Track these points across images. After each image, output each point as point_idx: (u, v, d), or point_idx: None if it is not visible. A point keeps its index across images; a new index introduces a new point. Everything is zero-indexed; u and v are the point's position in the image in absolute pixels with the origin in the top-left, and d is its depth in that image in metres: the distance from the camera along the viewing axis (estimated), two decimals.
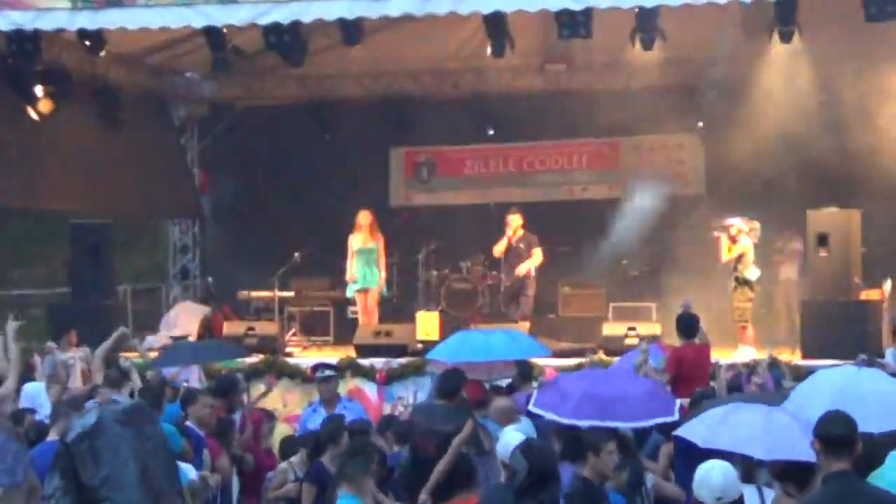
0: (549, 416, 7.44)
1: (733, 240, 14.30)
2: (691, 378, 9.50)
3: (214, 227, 19.27)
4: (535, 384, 9.91)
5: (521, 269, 15.32)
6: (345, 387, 13.32)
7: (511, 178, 18.73)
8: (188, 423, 8.65)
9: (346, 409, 9.76)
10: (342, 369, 13.31)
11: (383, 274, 15.59)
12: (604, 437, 6.65)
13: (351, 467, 6.51)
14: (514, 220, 15.51)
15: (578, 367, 12.66)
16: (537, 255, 15.47)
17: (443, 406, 8.56)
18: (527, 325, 14.85)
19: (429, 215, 18.52)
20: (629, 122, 16.85)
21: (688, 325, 10.10)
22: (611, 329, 14.69)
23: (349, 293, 15.67)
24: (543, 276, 16.27)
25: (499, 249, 15.61)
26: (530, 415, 8.08)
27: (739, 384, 10.20)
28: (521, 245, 15.37)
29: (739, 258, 14.21)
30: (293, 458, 8.80)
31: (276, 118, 18.14)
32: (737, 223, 14.33)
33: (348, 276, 15.47)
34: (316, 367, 10.61)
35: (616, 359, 12.30)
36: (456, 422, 8.03)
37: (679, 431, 6.69)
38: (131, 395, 9.03)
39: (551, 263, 16.37)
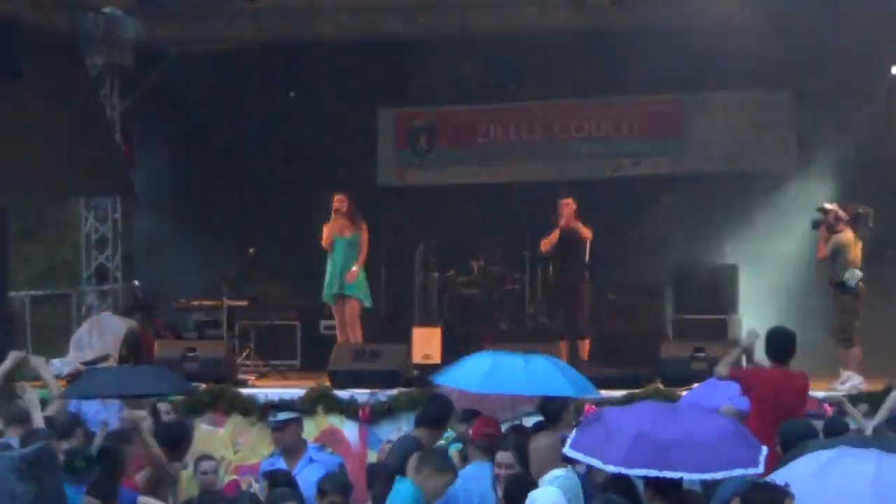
0: (591, 461, 7.40)
1: (832, 230, 14.13)
2: (765, 415, 9.47)
3: (142, 213, 19.22)
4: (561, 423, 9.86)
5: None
6: (316, 428, 13.24)
7: (538, 149, 18.68)
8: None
9: (315, 461, 9.65)
10: (309, 403, 13.25)
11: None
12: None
13: None
14: (566, 204, 15.47)
15: (629, 400, 12.66)
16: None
17: (421, 439, 8.70)
18: (561, 349, 14.80)
19: (429, 198, 18.47)
20: (696, 73, 16.79)
21: (780, 343, 9.91)
22: (672, 350, 14.67)
23: (325, 296, 15.55)
24: None
25: (548, 242, 15.60)
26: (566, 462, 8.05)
27: (837, 425, 10.13)
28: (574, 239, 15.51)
29: (834, 255, 14.05)
30: None
31: (224, 69, 18.05)
32: (836, 209, 14.16)
33: (325, 241, 15.28)
34: (267, 409, 10.47)
35: (681, 391, 12.42)
36: None
37: None
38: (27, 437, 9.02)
39: (591, 262, 16.17)
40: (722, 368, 9.69)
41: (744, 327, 10.44)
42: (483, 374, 9.68)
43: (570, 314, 15.35)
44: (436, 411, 8.89)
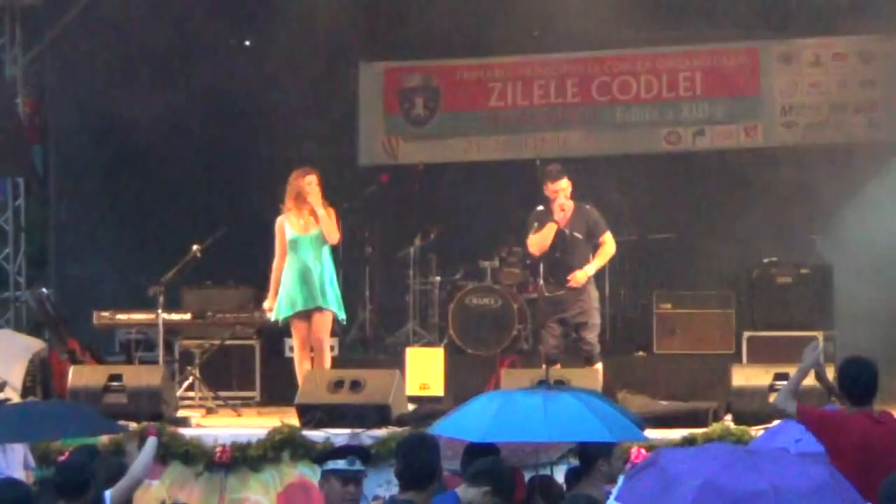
0: None
1: None
2: (852, 474, 9.45)
3: (53, 200, 19.17)
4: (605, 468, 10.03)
5: (580, 276, 15.09)
6: (280, 481, 13.33)
7: (572, 115, 18.79)
8: None
9: None
10: (271, 448, 13.39)
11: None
12: None
13: None
14: (563, 187, 15.16)
15: (689, 442, 12.90)
16: (608, 247, 15.28)
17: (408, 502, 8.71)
18: (597, 371, 14.86)
19: (428, 180, 18.53)
20: (778, 15, 17.06)
21: (858, 381, 9.83)
22: (745, 376, 14.61)
23: (276, 315, 15.29)
24: (624, 285, 16.25)
25: (540, 242, 15.28)
26: None
27: None
28: (575, 233, 15.22)
29: None
30: None
31: (159, 9, 17.87)
32: None
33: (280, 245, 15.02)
34: (325, 456, 10.31)
35: (757, 430, 12.48)
36: None
37: None
38: None
39: (640, 262, 16.46)
40: (784, 400, 9.59)
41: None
42: (489, 418, 9.68)
43: (572, 334, 15.25)
44: (417, 463, 8.90)
